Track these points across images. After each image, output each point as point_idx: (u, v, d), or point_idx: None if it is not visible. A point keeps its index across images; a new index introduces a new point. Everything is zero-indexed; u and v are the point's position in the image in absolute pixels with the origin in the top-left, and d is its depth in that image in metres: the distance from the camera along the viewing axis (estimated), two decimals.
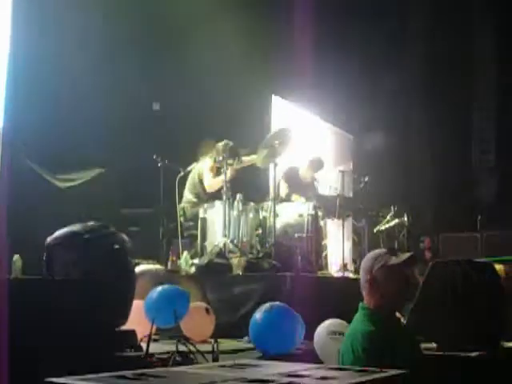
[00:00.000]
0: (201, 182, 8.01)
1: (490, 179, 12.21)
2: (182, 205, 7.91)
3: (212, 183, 7.93)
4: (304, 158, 8.69)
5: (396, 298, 3.39)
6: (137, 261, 6.44)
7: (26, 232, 6.11)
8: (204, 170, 8.04)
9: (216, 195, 7.67)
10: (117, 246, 4.30)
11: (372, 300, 3.39)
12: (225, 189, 7.25)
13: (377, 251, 3.49)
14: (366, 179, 9.18)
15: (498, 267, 5.81)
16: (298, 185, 8.45)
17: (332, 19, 11.40)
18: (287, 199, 8.16)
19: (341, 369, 2.67)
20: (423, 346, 4.16)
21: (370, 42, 11.97)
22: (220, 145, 7.85)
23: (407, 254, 3.42)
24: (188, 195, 7.98)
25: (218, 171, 7.92)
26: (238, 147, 7.91)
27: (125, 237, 4.58)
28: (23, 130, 6.37)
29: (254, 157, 7.90)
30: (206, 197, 7.91)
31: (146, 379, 2.24)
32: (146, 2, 8.80)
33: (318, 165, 8.73)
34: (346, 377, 2.42)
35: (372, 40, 11.95)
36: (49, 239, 4.20)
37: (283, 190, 8.29)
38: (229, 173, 7.45)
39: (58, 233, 4.23)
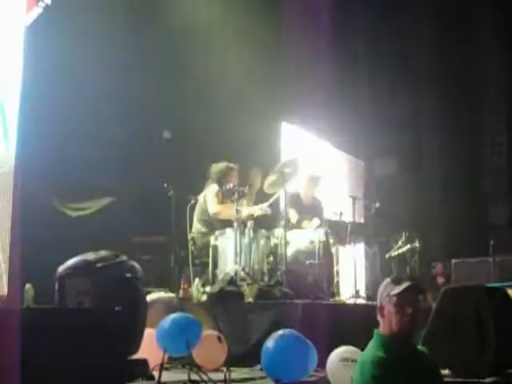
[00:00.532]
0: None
1: (503, 204, 12.18)
2: (192, 234, 7.86)
3: (218, 210, 7.70)
4: (302, 177, 8.61)
5: (405, 326, 3.39)
6: (148, 289, 6.45)
7: (37, 260, 6.13)
8: (208, 196, 7.81)
9: (226, 222, 7.63)
10: (128, 275, 4.32)
11: (384, 327, 3.42)
12: (235, 217, 7.23)
13: (386, 280, 3.51)
14: (377, 205, 9.16)
15: (511, 292, 5.78)
16: (305, 208, 8.44)
17: (343, 46, 11.48)
18: (297, 226, 8.15)
19: None
20: None
21: (380, 67, 12.02)
22: (220, 165, 7.82)
23: (406, 284, 3.43)
24: (197, 225, 7.87)
25: (223, 197, 7.80)
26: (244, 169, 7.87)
27: (136, 265, 4.59)
28: (34, 158, 6.42)
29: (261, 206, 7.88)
30: (215, 223, 7.81)
31: None
32: (159, 32, 8.89)
33: (316, 181, 8.64)
34: None
35: (381, 65, 12.00)
36: (61, 268, 4.22)
37: (293, 217, 8.28)
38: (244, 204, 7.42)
39: (70, 262, 4.25)
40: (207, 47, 9.27)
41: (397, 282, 3.46)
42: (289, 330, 5.15)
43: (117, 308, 3.91)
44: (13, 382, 2.62)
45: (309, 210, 8.44)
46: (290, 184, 7.79)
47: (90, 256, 4.26)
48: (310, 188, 8.58)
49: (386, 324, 3.41)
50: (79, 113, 7.76)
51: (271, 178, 7.67)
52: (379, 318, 3.45)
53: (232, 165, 7.82)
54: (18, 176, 4.69)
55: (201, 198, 7.91)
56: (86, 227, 7.56)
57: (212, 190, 7.76)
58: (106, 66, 8.02)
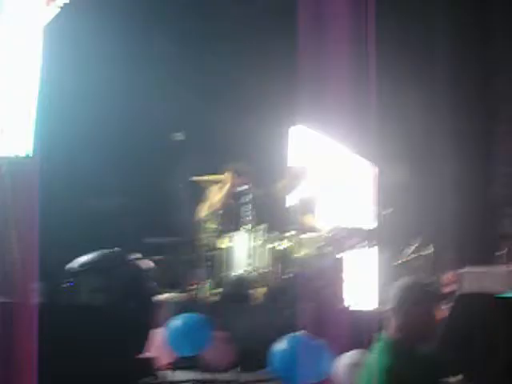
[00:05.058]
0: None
1: None
2: (204, 234, 7.91)
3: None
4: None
5: (415, 333, 3.32)
6: (160, 289, 6.46)
7: (52, 259, 6.15)
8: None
9: (238, 223, 7.64)
10: (141, 274, 4.34)
11: (393, 332, 3.34)
12: (248, 218, 7.30)
13: (397, 284, 3.43)
14: (390, 211, 9.15)
15: None
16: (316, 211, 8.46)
17: (356, 48, 11.45)
18: (311, 230, 8.15)
19: None
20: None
21: (398, 68, 11.96)
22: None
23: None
24: (209, 225, 7.97)
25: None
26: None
27: (150, 264, 4.61)
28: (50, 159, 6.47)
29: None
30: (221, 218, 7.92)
31: None
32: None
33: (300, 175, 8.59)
34: None
35: (399, 65, 11.94)
36: (74, 265, 4.24)
37: (308, 221, 8.29)
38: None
39: (84, 259, 4.27)
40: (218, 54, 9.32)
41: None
42: (299, 332, 5.16)
43: (130, 306, 3.94)
44: (29, 377, 2.63)
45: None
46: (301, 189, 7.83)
47: (104, 254, 4.28)
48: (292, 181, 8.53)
49: (393, 329, 3.33)
50: (94, 112, 7.79)
51: (283, 183, 7.73)
52: (388, 322, 3.37)
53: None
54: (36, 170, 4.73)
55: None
56: (99, 226, 7.59)
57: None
58: (120, 70, 8.07)
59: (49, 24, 5.79)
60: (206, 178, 8.20)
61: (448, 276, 10.45)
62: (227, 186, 7.99)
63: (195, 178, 8.09)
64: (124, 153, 8.09)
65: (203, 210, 7.87)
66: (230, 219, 7.85)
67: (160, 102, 8.73)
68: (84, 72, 7.63)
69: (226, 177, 8.02)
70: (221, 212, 7.79)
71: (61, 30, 5.99)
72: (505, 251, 9.66)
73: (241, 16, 9.45)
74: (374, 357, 3.37)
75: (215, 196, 8.06)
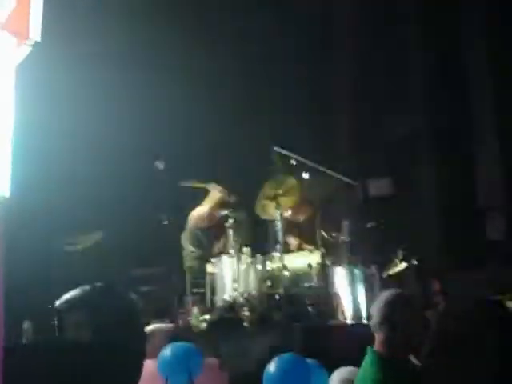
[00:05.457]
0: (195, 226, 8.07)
1: (499, 218, 12.17)
2: (189, 263, 7.92)
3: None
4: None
5: (403, 345, 3.32)
6: (147, 320, 6.44)
7: (36, 298, 6.12)
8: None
9: (221, 250, 7.66)
10: (126, 306, 4.31)
11: (381, 346, 3.34)
12: (232, 243, 7.31)
13: (382, 297, 3.42)
14: (372, 225, 9.18)
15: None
16: (301, 231, 8.47)
17: (330, 68, 11.55)
18: (295, 250, 8.17)
19: None
20: None
21: (374, 86, 12.05)
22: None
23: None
24: (188, 247, 8.04)
25: None
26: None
27: (134, 296, 4.59)
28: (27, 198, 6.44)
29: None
30: (206, 242, 7.94)
31: None
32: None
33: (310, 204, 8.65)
34: None
35: (375, 85, 12.02)
36: (58, 302, 4.21)
37: (292, 244, 8.32)
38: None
39: (67, 295, 4.23)
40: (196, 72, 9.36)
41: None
42: (290, 353, 5.15)
43: (119, 338, 3.90)
44: None
45: (305, 232, 8.47)
46: (285, 208, 7.86)
47: (87, 288, 4.24)
48: (305, 210, 8.60)
49: (383, 343, 3.34)
50: (65, 146, 7.78)
51: (264, 202, 7.74)
52: (377, 336, 3.37)
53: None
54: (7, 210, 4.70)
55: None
56: (82, 262, 7.56)
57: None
58: (90, 93, 8.07)
59: (21, 63, 5.80)
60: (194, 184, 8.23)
61: (435, 285, 10.50)
62: (213, 200, 8.04)
63: (183, 184, 8.13)
64: (102, 185, 8.08)
65: (194, 218, 7.93)
66: (211, 238, 7.91)
67: (138, 127, 8.75)
68: (58, 109, 7.64)
69: (213, 190, 8.08)
70: (204, 228, 7.85)
71: (33, 68, 6.00)
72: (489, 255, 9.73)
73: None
74: (363, 371, 3.36)
75: (198, 211, 8.10)
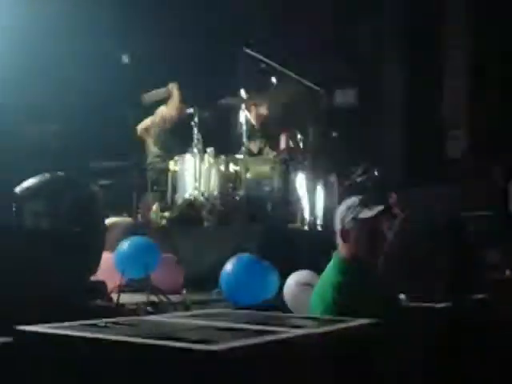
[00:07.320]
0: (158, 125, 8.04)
1: (461, 135, 12.24)
2: (150, 159, 7.88)
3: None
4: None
5: (368, 250, 3.28)
6: (107, 214, 6.41)
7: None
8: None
9: (185, 148, 7.59)
10: (87, 197, 4.27)
11: (345, 250, 3.29)
12: (195, 141, 7.26)
13: (350, 201, 3.34)
14: (335, 134, 9.18)
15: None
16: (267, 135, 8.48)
17: None
18: (258, 154, 8.14)
19: (311, 318, 2.69)
20: None
21: None
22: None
23: (380, 207, 3.29)
24: (152, 148, 8.00)
25: None
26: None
27: (95, 188, 4.53)
28: None
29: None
30: (170, 143, 7.94)
31: (118, 327, 2.24)
32: None
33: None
34: (315, 325, 2.43)
35: None
36: (18, 189, 4.14)
37: (253, 147, 8.27)
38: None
39: (27, 183, 4.16)
40: None
41: (366, 205, 3.30)
42: (247, 253, 5.20)
43: (75, 229, 3.88)
44: None
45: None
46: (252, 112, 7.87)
47: (48, 177, 4.17)
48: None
49: (348, 248, 3.27)
50: (38, 38, 7.56)
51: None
52: (340, 241, 3.30)
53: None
54: None
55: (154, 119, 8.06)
56: (44, 151, 7.46)
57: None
58: None
59: None
60: (153, 92, 8.15)
61: (394, 197, 10.61)
62: (175, 99, 7.98)
63: (143, 95, 8.06)
64: (68, 76, 7.89)
65: (145, 124, 7.91)
66: (176, 139, 7.87)
67: (105, 23, 8.49)
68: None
69: (172, 89, 8.01)
70: (169, 129, 7.84)
71: None
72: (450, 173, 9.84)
73: None
74: (326, 276, 3.33)
75: (162, 111, 8.05)
